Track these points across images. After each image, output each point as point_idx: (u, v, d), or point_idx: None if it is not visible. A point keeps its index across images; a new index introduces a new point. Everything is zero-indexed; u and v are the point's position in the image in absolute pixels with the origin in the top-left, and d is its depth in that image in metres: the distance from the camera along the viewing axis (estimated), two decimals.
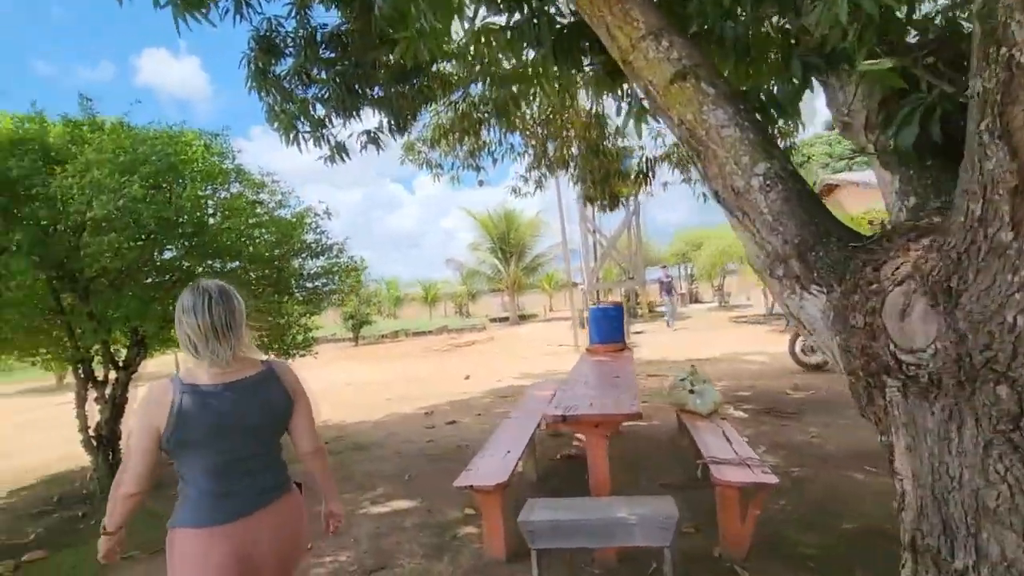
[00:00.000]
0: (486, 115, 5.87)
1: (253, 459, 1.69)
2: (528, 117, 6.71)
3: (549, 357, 13.57)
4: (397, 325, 25.36)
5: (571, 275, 18.00)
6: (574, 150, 7.35)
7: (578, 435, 5.37)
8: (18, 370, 7.28)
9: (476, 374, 12.02)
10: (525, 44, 2.49)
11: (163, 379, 1.66)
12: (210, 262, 5.15)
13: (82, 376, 5.12)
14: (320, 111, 4.19)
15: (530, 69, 3.04)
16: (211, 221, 5.10)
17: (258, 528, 1.65)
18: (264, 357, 1.83)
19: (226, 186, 5.49)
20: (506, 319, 29.48)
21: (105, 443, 5.21)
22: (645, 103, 2.14)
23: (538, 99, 5.58)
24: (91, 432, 5.16)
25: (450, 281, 36.29)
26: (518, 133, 6.97)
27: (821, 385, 7.46)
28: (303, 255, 6.00)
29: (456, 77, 5.09)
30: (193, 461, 1.63)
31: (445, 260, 37.26)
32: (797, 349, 8.62)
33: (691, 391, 4.56)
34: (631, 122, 2.41)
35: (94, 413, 5.23)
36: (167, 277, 4.99)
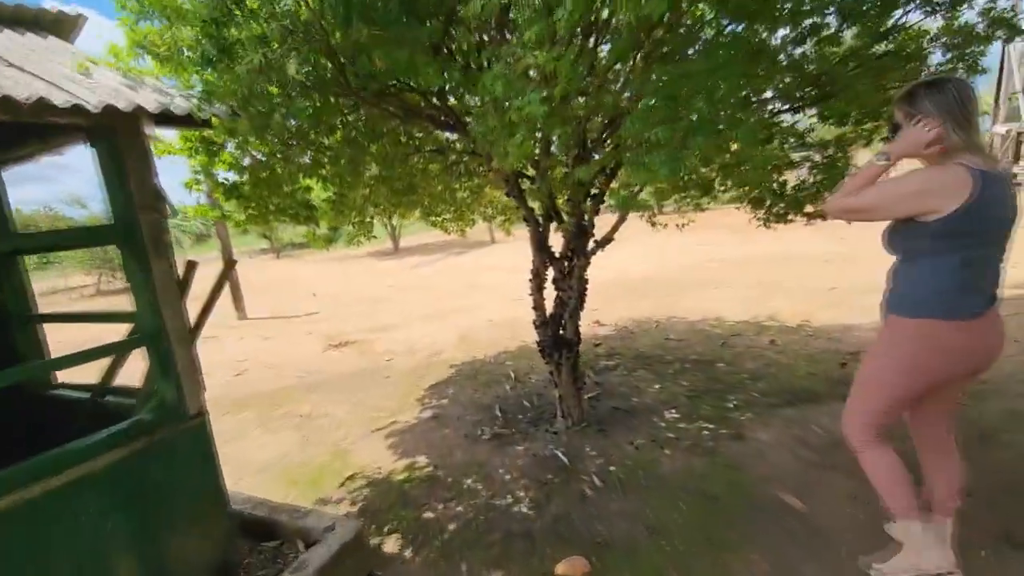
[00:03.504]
0: None
1: (996, 259, 1.66)
2: None
3: None
4: None
5: None
6: None
7: None
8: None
9: None
10: None
11: (953, 166, 1.55)
12: None
13: (539, 246, 3.23)
14: None
15: None
16: None
17: (982, 330, 1.66)
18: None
19: None
20: None
21: (568, 346, 3.39)
22: None
23: None
24: (549, 330, 3.36)
25: None
26: None
27: None
28: None
29: None
30: (948, 253, 1.60)
31: None
32: None
33: None
34: None
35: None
36: None
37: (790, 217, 3.80)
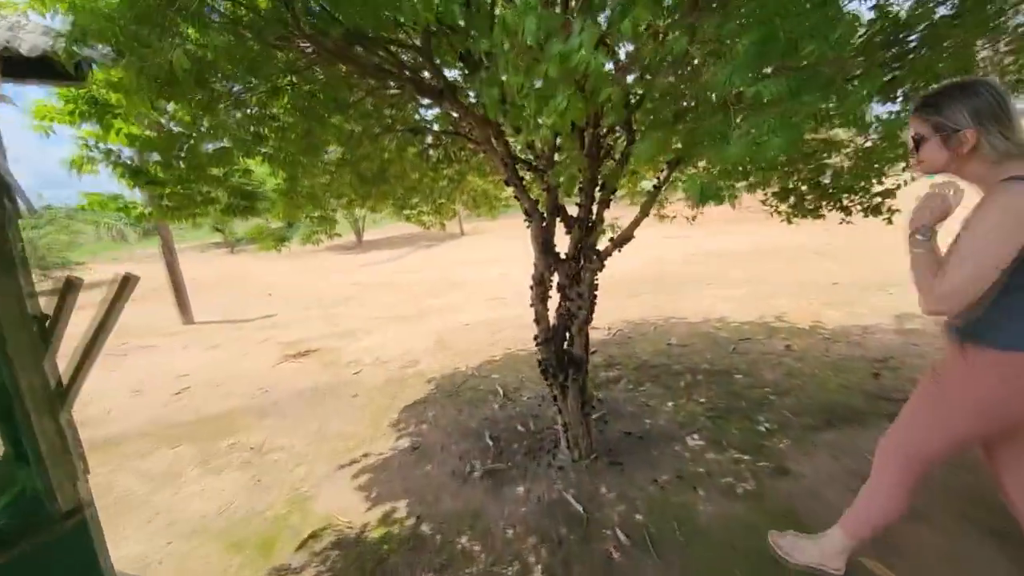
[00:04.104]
0: None
1: None
2: None
3: None
4: None
5: None
6: None
7: None
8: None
9: None
10: None
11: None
12: None
13: (544, 246, 2.64)
14: None
15: None
16: None
17: None
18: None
19: None
20: None
21: (576, 365, 2.83)
22: None
23: None
24: (555, 344, 2.79)
25: None
26: None
27: None
28: None
29: None
30: None
31: None
32: None
33: None
34: None
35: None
36: None
37: (821, 211, 3.37)
